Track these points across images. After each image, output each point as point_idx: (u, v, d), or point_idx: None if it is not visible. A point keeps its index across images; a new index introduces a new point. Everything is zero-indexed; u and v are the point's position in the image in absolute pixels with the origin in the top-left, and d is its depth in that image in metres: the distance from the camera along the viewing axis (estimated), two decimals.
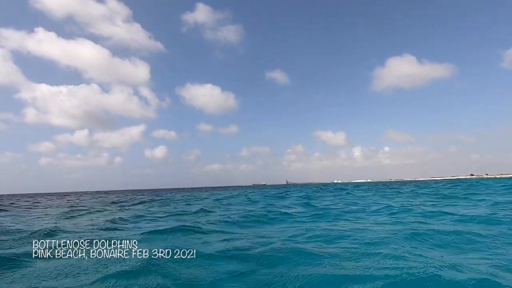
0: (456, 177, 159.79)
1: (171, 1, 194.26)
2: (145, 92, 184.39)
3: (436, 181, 76.05)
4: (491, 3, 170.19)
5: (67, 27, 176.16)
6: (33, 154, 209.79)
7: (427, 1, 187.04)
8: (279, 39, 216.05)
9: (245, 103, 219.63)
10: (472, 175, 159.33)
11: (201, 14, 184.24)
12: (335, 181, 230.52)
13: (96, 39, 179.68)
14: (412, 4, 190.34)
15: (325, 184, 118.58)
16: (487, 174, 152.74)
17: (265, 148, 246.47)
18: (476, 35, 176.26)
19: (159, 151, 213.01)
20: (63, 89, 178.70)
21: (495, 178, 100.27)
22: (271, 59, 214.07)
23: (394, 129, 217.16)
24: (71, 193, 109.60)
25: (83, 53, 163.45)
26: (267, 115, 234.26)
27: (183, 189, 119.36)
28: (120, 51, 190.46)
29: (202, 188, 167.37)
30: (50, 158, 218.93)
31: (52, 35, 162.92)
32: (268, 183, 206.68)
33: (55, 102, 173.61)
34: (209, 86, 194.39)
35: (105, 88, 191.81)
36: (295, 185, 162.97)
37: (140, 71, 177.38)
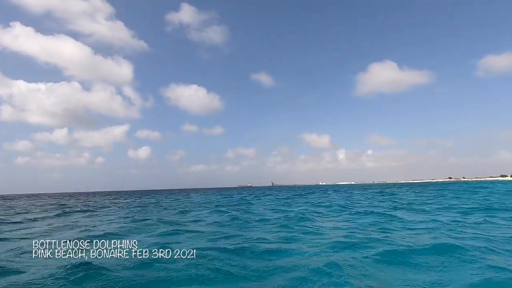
0: (435, 180, 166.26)
1: (155, 0, 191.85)
2: (129, 91, 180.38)
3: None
4: (467, 15, 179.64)
5: (46, 23, 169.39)
6: (9, 153, 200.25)
7: (408, 10, 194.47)
8: (264, 41, 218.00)
9: (231, 105, 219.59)
10: (450, 178, 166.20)
11: (186, 14, 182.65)
12: (320, 183, 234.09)
13: (76, 35, 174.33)
14: (393, 12, 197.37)
15: (310, 187, 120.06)
16: (464, 178, 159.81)
17: (250, 149, 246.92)
18: (454, 44, 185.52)
19: (143, 152, 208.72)
20: (42, 86, 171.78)
21: (470, 182, 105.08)
22: (257, 61, 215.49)
23: (377, 133, 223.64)
24: (47, 194, 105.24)
25: (63, 49, 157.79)
26: (252, 117, 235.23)
27: (161, 191, 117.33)
28: (102, 49, 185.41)
29: (183, 190, 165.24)
30: (28, 157, 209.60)
31: (29, 30, 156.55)
32: (254, 185, 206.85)
33: (33, 100, 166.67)
34: (194, 87, 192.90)
35: (86, 86, 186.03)
36: (280, 187, 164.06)
37: (124, 70, 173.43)
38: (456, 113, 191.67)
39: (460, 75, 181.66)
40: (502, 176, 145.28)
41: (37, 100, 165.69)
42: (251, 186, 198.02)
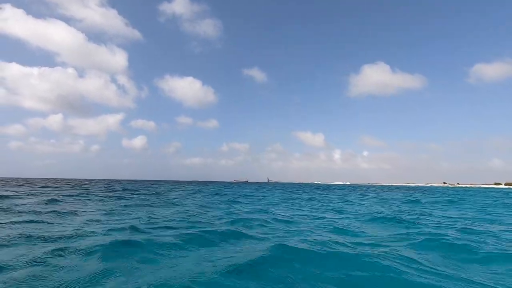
0: (429, 184, 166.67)
1: None
2: (123, 80, 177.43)
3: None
4: (461, 23, 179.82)
5: (36, 6, 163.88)
6: (2, 137, 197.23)
7: (403, 14, 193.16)
8: (256, 38, 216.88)
9: (225, 99, 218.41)
10: (445, 183, 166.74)
11: (179, 5, 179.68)
12: (315, 182, 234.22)
13: (68, 20, 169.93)
14: (388, 15, 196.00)
15: (303, 185, 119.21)
16: (458, 183, 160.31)
17: (244, 144, 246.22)
18: (447, 50, 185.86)
19: (138, 141, 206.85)
20: (35, 70, 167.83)
21: (466, 188, 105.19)
22: (249, 57, 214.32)
23: (368, 134, 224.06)
24: (40, 179, 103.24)
25: (55, 34, 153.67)
26: (246, 112, 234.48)
27: (156, 182, 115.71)
28: (96, 35, 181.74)
29: (176, 182, 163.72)
30: (21, 142, 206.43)
31: (20, 12, 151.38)
32: (250, 180, 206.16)
33: (27, 84, 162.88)
34: (188, 79, 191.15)
35: (79, 72, 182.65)
36: (276, 183, 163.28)
37: (118, 58, 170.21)
38: (448, 118, 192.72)
39: (452, 81, 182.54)
40: (495, 184, 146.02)
41: (31, 84, 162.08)
42: (247, 181, 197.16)
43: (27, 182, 51.94)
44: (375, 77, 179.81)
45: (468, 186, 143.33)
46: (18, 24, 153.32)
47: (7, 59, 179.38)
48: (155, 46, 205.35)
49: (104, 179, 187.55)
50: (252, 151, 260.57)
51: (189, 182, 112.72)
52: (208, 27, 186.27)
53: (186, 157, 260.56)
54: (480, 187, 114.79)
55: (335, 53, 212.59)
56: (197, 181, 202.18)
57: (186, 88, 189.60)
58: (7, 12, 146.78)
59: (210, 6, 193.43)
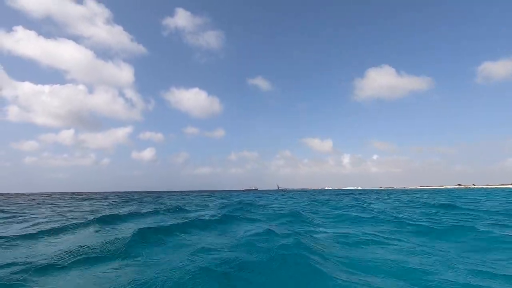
0: (444, 187, 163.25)
1: (151, 5, 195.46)
2: (130, 93, 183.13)
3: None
4: (465, 21, 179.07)
5: (47, 27, 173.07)
6: (17, 153, 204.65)
7: (407, 16, 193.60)
8: (259, 46, 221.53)
9: (230, 108, 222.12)
10: (459, 185, 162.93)
11: (181, 19, 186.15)
12: (326, 188, 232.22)
13: (77, 39, 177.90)
14: (391, 18, 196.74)
15: (313, 191, 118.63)
16: (474, 185, 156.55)
17: (253, 152, 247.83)
18: (451, 50, 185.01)
19: (147, 153, 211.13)
20: (46, 88, 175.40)
21: (481, 188, 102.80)
22: (252, 66, 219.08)
23: (377, 138, 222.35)
24: (52, 193, 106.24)
25: (65, 53, 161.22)
26: (252, 121, 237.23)
27: (164, 192, 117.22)
28: (103, 52, 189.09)
29: (185, 191, 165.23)
30: (35, 157, 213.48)
31: (32, 34, 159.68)
32: (259, 188, 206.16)
33: (39, 101, 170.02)
34: (193, 90, 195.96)
35: (89, 88, 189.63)
36: (285, 190, 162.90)
37: (124, 72, 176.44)
38: (457, 119, 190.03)
39: (459, 82, 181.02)
40: None
41: (43, 101, 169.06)
42: (256, 189, 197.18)
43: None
44: (381, 80, 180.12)
45: (484, 187, 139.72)
46: (30, 44, 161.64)
47: (19, 79, 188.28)
48: (160, 59, 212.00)
49: (116, 192, 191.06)
50: (261, 158, 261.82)
51: (212, 192, 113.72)
52: (211, 39, 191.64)
53: (195, 167, 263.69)
54: (495, 188, 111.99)
55: (338, 58, 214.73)
56: (211, 190, 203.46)
57: (192, 99, 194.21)
58: (19, 34, 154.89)
59: (211, 18, 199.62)
